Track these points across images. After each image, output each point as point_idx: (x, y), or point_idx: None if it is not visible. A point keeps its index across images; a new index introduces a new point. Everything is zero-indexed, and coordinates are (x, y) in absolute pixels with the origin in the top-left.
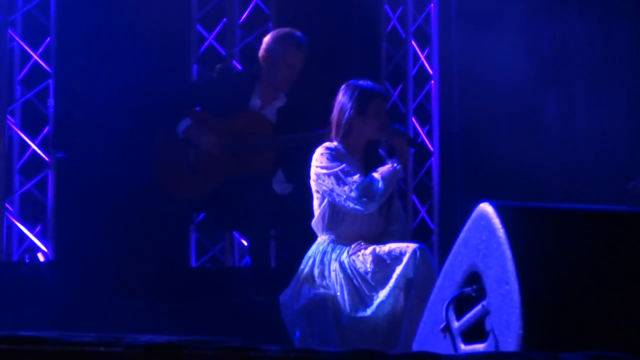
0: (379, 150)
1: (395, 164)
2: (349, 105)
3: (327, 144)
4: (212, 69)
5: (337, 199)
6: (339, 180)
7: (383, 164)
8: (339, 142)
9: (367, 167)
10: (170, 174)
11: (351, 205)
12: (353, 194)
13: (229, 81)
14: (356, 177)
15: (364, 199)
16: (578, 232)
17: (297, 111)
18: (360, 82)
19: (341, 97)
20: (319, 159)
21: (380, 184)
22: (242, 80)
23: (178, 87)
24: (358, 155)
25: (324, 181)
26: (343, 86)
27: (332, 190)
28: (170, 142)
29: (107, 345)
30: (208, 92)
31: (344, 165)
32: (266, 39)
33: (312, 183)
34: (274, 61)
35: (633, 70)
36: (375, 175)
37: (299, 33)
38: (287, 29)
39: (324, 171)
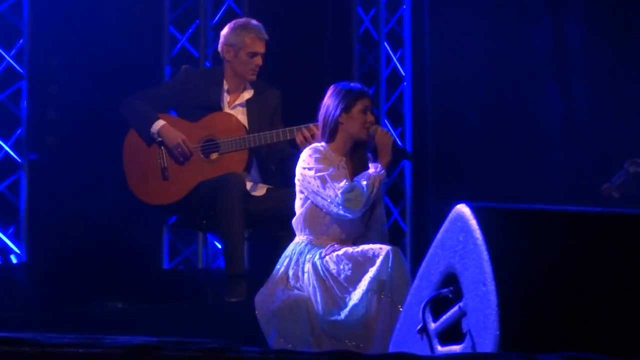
0: (368, 154)
1: (379, 169)
2: (334, 105)
3: (315, 144)
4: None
5: (321, 203)
6: (325, 184)
7: (369, 167)
8: (325, 142)
9: (354, 170)
10: (143, 180)
11: (335, 210)
12: (338, 199)
13: (196, 80)
14: (342, 182)
15: (349, 205)
16: (554, 233)
17: (266, 102)
18: (349, 83)
19: (327, 98)
20: (306, 160)
21: (365, 190)
22: (209, 77)
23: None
24: (345, 157)
25: (310, 183)
26: (330, 87)
27: (317, 193)
28: (142, 147)
29: (86, 346)
30: (177, 93)
31: (331, 169)
32: (223, 32)
33: (297, 183)
34: (235, 52)
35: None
36: (361, 181)
37: (254, 21)
38: (242, 19)
39: (311, 173)
